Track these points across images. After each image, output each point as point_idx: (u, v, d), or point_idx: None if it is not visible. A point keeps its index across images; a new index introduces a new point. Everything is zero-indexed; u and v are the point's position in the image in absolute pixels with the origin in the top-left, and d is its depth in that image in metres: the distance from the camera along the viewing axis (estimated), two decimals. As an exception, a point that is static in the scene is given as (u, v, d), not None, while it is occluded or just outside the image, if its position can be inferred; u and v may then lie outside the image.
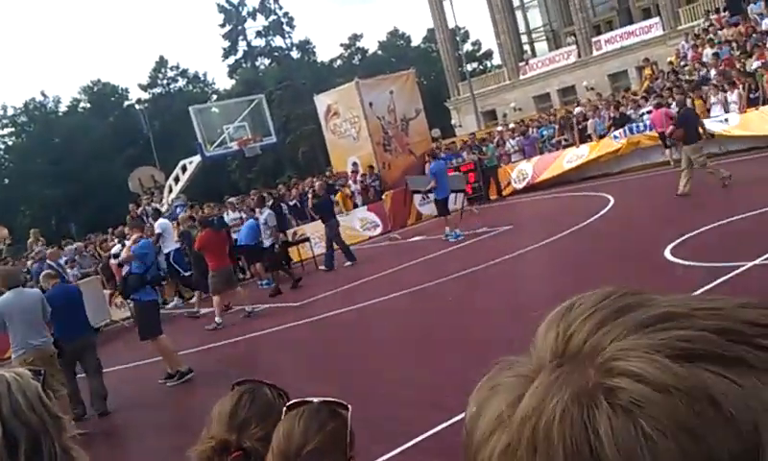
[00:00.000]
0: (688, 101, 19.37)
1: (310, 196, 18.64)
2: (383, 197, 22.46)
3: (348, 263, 16.85)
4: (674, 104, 18.82)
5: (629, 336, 0.50)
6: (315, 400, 1.92)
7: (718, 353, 0.47)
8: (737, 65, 21.03)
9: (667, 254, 9.72)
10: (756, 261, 8.25)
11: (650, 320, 0.50)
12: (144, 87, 64.29)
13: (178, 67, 65.51)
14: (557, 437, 0.47)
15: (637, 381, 0.47)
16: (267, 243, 16.21)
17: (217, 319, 13.31)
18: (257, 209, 17.52)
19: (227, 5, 61.75)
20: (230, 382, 2.13)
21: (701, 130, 14.68)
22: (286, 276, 16.34)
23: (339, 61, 68.69)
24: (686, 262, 9.15)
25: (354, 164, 24.17)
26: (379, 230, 21.77)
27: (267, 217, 16.32)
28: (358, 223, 21.18)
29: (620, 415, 0.46)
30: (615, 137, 20.76)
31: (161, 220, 18.74)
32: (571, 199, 18.88)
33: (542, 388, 0.50)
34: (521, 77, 44.39)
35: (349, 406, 1.90)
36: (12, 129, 59.22)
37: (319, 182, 19.21)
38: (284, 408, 1.93)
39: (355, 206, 22.38)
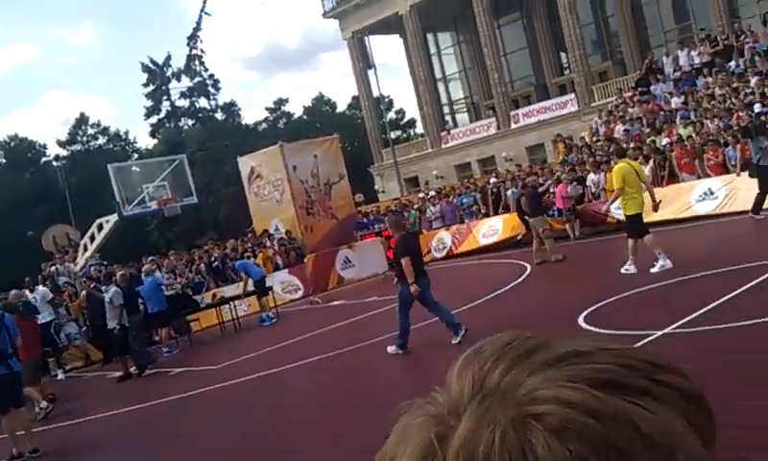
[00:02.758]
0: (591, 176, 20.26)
1: (114, 287, 15.68)
2: (305, 260, 22.40)
3: (134, 370, 14.90)
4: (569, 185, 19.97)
5: (544, 371, 0.53)
6: None
7: (630, 384, 0.53)
8: (647, 141, 22.03)
9: (581, 321, 9.95)
10: (667, 330, 8.52)
11: (561, 356, 0.55)
12: (63, 144, 62.98)
13: (99, 125, 64.55)
14: None
15: (566, 406, 0.50)
16: (111, 325, 14.82)
17: (42, 404, 12.35)
18: (104, 287, 16.46)
19: (151, 65, 61.39)
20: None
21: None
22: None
23: (264, 125, 68.81)
24: (599, 330, 9.38)
25: (276, 229, 24.10)
26: (300, 294, 21.65)
27: (112, 296, 14.91)
28: (279, 286, 21.01)
29: (553, 438, 0.49)
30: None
31: (39, 288, 18.31)
32: (490, 266, 19.20)
33: (476, 418, 0.52)
34: (443, 146, 45.39)
35: None
36: None
37: (121, 273, 16.75)
38: None
39: (276, 267, 22.23)
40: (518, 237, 20.32)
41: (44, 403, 12.39)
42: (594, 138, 25.98)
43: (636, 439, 0.50)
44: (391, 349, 10.83)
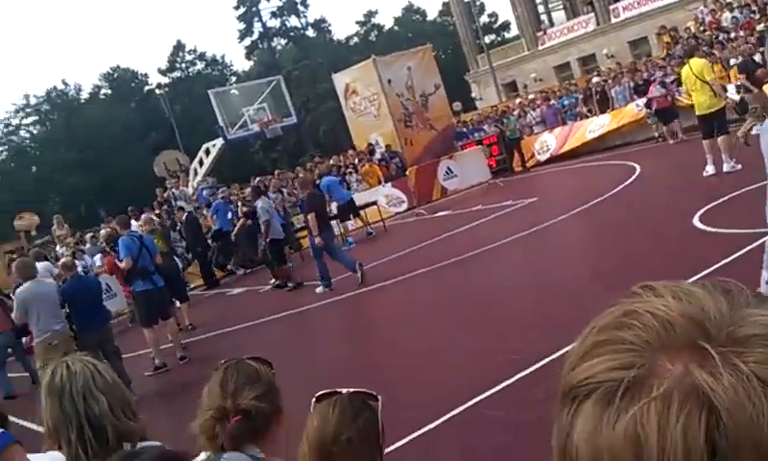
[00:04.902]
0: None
1: (240, 204, 17.02)
2: (407, 173, 22.56)
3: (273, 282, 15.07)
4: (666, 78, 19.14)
5: None
6: (344, 390, 2.02)
7: None
8: (757, 28, 20.82)
9: (696, 221, 9.76)
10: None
11: None
12: (163, 72, 64.56)
13: (195, 51, 65.71)
14: None
15: None
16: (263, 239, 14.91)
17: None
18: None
19: (240, -15, 61.68)
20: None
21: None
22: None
23: (355, 39, 68.43)
24: (715, 229, 9.20)
25: (377, 144, 24.25)
26: (405, 206, 21.90)
27: (260, 210, 14.77)
28: (383, 199, 21.31)
29: None
30: (638, 105, 20.70)
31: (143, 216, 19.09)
32: (597, 169, 18.88)
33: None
34: (540, 47, 44.04)
35: (379, 397, 1.99)
36: (36, 117, 59.82)
37: (249, 189, 17.20)
38: (313, 400, 2.05)
39: (379, 182, 22.49)
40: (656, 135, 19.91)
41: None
42: (701, 28, 24.70)
43: None
44: (318, 290, 12.69)
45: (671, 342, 0.57)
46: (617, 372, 0.57)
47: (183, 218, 18.35)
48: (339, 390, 2.01)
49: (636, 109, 20.77)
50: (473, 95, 46.08)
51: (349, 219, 19.05)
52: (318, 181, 21.62)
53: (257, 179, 22.72)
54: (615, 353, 0.58)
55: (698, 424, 0.52)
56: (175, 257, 14.84)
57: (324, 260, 12.73)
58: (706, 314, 0.58)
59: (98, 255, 17.14)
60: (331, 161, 24.66)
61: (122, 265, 11.15)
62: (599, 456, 0.56)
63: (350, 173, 23.23)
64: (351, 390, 2.01)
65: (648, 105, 19.56)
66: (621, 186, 14.71)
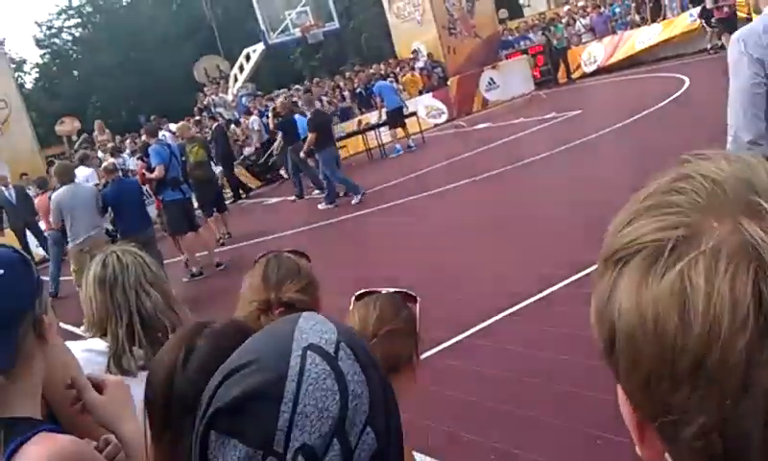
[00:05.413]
0: None
1: (271, 116, 16.36)
2: (448, 83, 22.04)
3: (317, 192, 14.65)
4: None
5: None
6: (384, 290, 2.02)
7: None
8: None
9: (745, 138, 9.35)
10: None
11: None
12: (205, -26, 63.64)
13: (238, -48, 64.55)
14: None
15: None
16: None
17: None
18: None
19: None
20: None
21: None
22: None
23: (402, -59, 66.44)
24: (765, 146, 8.78)
25: (419, 50, 23.68)
26: (445, 118, 21.49)
27: (252, 122, 14.54)
28: (423, 110, 20.89)
29: None
30: (692, 16, 19.78)
31: (171, 126, 18.93)
32: (645, 81, 18.22)
33: None
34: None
35: (418, 299, 1.98)
36: (78, 20, 59.68)
37: (281, 101, 16.72)
38: (353, 298, 2.04)
39: (419, 92, 22.05)
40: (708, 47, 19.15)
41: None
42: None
43: None
44: (354, 201, 12.81)
45: (721, 201, 0.57)
46: (665, 232, 0.57)
47: (213, 128, 18.03)
48: (379, 289, 2.03)
49: (689, 19, 19.87)
50: (521, 2, 44.60)
51: (397, 127, 18.54)
52: (358, 90, 21.40)
53: (295, 87, 22.40)
54: (664, 215, 0.58)
55: (746, 275, 0.52)
56: (213, 166, 14.59)
57: (342, 174, 13.22)
58: (758, 176, 0.58)
59: (132, 159, 17.13)
60: (372, 70, 24.18)
61: (155, 173, 11.04)
62: (643, 312, 0.56)
63: (391, 82, 22.75)
64: (392, 290, 2.03)
65: (706, 14, 18.68)
66: (668, 100, 14.18)
